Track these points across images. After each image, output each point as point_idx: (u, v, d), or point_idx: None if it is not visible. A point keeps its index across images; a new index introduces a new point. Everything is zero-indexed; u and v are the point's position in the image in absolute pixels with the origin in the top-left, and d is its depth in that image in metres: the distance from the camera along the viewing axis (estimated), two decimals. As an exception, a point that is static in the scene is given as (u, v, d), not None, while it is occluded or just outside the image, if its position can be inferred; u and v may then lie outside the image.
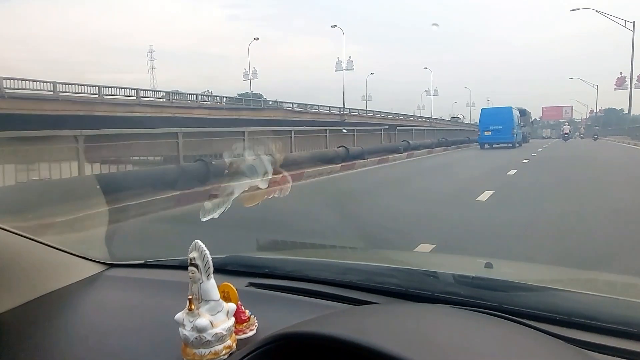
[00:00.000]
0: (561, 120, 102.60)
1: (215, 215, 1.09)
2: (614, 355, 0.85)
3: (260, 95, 67.10)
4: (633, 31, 34.21)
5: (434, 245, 4.23)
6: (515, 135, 26.84)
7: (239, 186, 1.11)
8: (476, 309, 0.99)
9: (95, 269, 1.50)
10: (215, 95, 47.88)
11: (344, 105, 56.35)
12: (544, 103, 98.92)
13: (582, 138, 47.02)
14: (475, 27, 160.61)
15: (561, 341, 0.87)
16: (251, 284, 1.32)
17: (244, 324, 1.05)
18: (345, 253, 1.98)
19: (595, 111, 53.12)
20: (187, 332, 0.94)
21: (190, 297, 0.96)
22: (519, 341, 0.86)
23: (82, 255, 1.48)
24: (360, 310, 1.07)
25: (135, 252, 1.85)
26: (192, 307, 0.95)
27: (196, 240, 0.97)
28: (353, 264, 1.44)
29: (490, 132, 26.62)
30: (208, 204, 1.09)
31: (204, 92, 63.69)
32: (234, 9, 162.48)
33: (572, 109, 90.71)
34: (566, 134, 41.32)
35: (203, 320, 0.93)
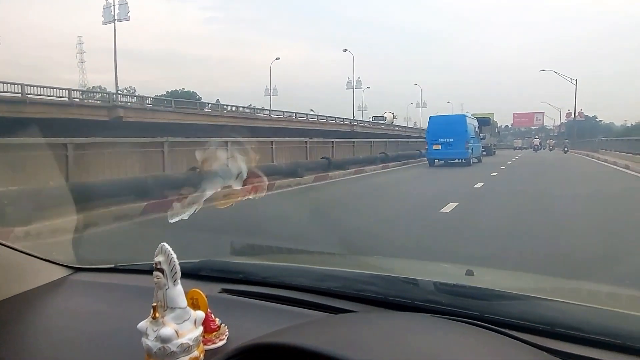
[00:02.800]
0: (533, 127, 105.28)
1: (185, 216, 1.03)
2: None
3: (194, 94, 64.46)
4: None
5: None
6: (469, 150, 21.41)
7: (211, 187, 1.06)
8: (457, 318, 0.96)
9: (61, 272, 1.43)
10: (135, 95, 43.86)
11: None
12: (516, 109, 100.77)
13: (551, 150, 48.84)
14: (461, 37, 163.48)
15: (543, 352, 0.85)
16: (224, 290, 1.27)
17: (214, 334, 0.99)
18: (324, 259, 1.93)
19: (573, 115, 59.28)
20: (150, 342, 0.88)
21: (154, 304, 0.90)
22: (500, 352, 0.84)
23: (47, 259, 1.42)
24: (337, 319, 1.03)
25: (106, 256, 1.78)
26: (157, 315, 0.89)
27: (162, 243, 0.91)
28: (331, 270, 1.40)
29: (439, 146, 21.46)
30: (177, 206, 1.03)
31: (124, 89, 58.68)
32: (212, 11, 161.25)
33: (543, 115, 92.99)
34: (536, 145, 49.17)
35: (168, 330, 0.87)
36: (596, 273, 3.52)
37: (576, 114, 60.65)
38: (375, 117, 75.93)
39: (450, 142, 21.10)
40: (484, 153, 29.65)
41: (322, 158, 16.97)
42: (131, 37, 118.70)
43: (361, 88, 70.91)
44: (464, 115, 23.49)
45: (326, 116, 52.71)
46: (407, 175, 17.64)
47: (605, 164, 21.53)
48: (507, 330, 0.91)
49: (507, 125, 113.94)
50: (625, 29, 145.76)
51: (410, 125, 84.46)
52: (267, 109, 48.25)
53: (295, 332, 0.90)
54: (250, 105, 52.12)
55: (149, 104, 37.78)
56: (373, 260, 2.00)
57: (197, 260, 1.41)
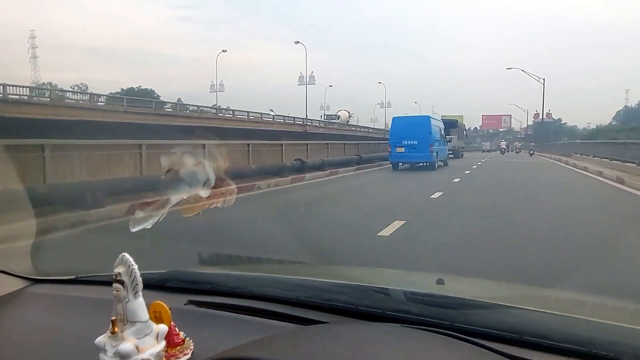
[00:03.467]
0: (501, 130, 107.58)
1: (148, 225, 0.99)
2: None
3: (152, 92, 61.87)
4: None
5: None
6: (434, 153, 20.06)
7: (177, 194, 1.02)
8: (428, 327, 0.96)
9: (17, 284, 1.36)
10: (88, 93, 40.89)
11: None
12: (485, 111, 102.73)
13: (517, 152, 50.63)
14: (429, 41, 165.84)
15: None
16: (191, 302, 1.23)
17: (177, 348, 0.95)
18: (294, 268, 1.92)
19: (541, 117, 59.47)
20: (108, 358, 0.84)
21: (113, 318, 0.86)
22: None
23: (1, 270, 1.35)
24: (307, 331, 1.01)
25: (67, 266, 1.70)
26: (116, 329, 0.85)
27: (123, 254, 0.87)
28: (301, 279, 1.38)
29: (403, 149, 20.00)
30: (139, 214, 0.99)
31: (75, 86, 56.18)
32: (184, 10, 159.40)
33: (510, 117, 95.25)
34: (503, 148, 51.65)
35: (127, 345, 0.83)
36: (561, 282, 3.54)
37: (544, 115, 60.16)
38: (328, 116, 68.05)
39: (414, 144, 19.67)
40: (452, 156, 29.17)
41: (295, 160, 16.61)
42: (98, 34, 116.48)
43: (314, 84, 66.35)
44: (428, 117, 21.97)
45: (283, 116, 49.82)
46: (363, 181, 15.64)
47: (586, 174, 17.31)
48: (476, 340, 0.91)
49: (475, 127, 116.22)
50: (587, 31, 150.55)
51: (381, 126, 73.50)
52: (232, 109, 46.84)
53: (263, 346, 0.88)
54: (215, 105, 50.86)
55: (101, 102, 36.01)
56: (344, 270, 1.99)
57: (164, 271, 1.37)
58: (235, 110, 46.09)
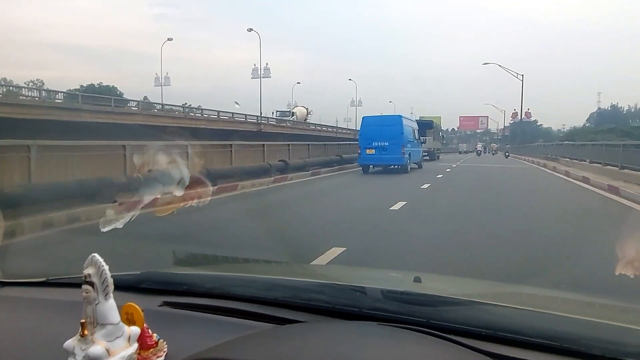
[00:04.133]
0: (478, 131, 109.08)
1: (119, 225, 0.97)
2: None
3: (114, 90, 58.06)
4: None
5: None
6: (406, 156, 18.70)
7: (150, 193, 1.00)
8: (404, 325, 0.97)
9: None
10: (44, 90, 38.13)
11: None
12: (464, 112, 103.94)
13: (493, 154, 51.43)
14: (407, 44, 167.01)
15: (486, 357, 0.87)
16: (166, 303, 1.22)
17: (150, 350, 0.93)
18: (271, 268, 1.91)
19: (520, 116, 56.94)
20: (78, 362, 0.81)
21: (83, 320, 0.84)
22: (437, 358, 0.86)
23: None
24: (283, 330, 1.01)
25: (38, 268, 1.65)
26: (85, 332, 0.83)
27: (93, 254, 0.85)
28: (279, 279, 1.38)
29: (373, 151, 18.63)
30: (110, 213, 0.97)
31: (29, 82, 52.72)
32: (162, 8, 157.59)
33: (487, 119, 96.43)
34: (479, 150, 52.82)
35: (97, 348, 0.81)
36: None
37: (523, 113, 57.21)
38: (281, 112, 58.56)
39: (385, 146, 18.39)
40: (427, 158, 28.50)
41: (279, 161, 16.31)
42: (73, 31, 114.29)
43: (269, 77, 59.71)
44: (400, 116, 20.02)
45: (244, 114, 45.30)
46: (324, 186, 14.13)
47: (590, 188, 12.44)
48: (451, 336, 0.92)
49: (453, 129, 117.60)
50: (560, 34, 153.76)
51: (353, 126, 65.13)
52: (202, 108, 44.36)
53: (237, 346, 0.87)
54: (186, 103, 48.37)
55: (59, 99, 33.48)
56: (321, 269, 1.99)
57: (138, 273, 1.35)
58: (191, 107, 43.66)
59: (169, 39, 58.24)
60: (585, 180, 13.55)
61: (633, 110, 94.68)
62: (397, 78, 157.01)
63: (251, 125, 42.98)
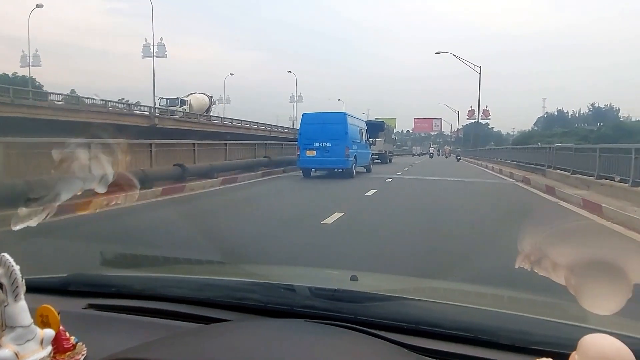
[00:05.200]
0: (432, 133, 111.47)
1: (32, 223, 0.94)
2: None
3: (31, 81, 48.88)
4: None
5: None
6: (351, 158, 16.88)
7: (68, 189, 0.97)
8: (332, 321, 1.00)
9: None
10: None
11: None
12: (417, 114, 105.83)
13: (446, 157, 52.57)
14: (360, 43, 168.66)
15: (405, 350, 0.91)
16: (90, 306, 1.20)
17: (67, 354, 0.91)
18: (203, 268, 1.90)
19: (477, 114, 48.90)
20: (-17, 367, 0.79)
21: None
22: (366, 353, 0.88)
23: None
24: (208, 329, 1.02)
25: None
26: (-7, 336, 0.80)
27: (2, 254, 0.82)
28: (211, 279, 1.38)
29: (314, 152, 16.72)
30: (23, 210, 0.94)
31: None
32: (117, 3, 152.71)
33: (441, 121, 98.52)
34: (432, 153, 55.77)
35: (5, 352, 0.79)
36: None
37: (480, 112, 49.94)
38: (171, 100, 46.39)
39: (327, 147, 16.58)
40: (378, 161, 27.78)
41: (174, 165, 12.76)
42: (20, 24, 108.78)
43: (165, 56, 49.49)
44: (344, 114, 18.08)
45: (115, 101, 39.00)
46: (242, 196, 11.54)
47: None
48: (376, 331, 0.96)
49: (408, 131, 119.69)
50: (506, 39, 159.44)
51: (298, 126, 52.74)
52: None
53: (156, 346, 0.87)
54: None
55: None
56: (256, 268, 2.00)
57: (65, 275, 1.32)
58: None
59: (37, 6, 44.33)
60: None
61: (577, 115, 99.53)
62: (352, 81, 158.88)
63: (141, 119, 35.62)
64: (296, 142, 18.44)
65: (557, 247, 0.66)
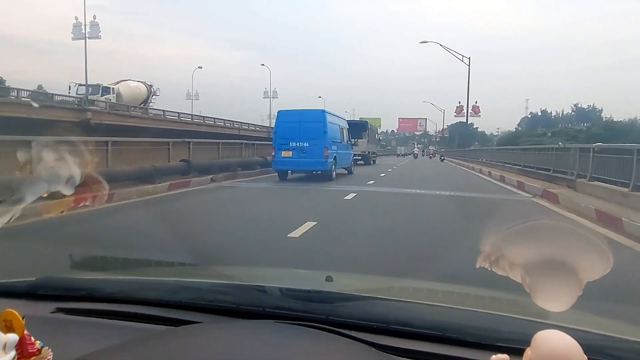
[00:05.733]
0: (417, 133, 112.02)
1: None
2: (418, 359, 0.93)
3: None
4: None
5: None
6: (330, 160, 15.58)
7: (34, 191, 0.96)
8: (304, 322, 1.00)
9: None
10: None
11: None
12: (401, 114, 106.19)
13: (430, 158, 52.78)
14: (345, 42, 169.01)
15: (374, 349, 0.93)
16: (59, 310, 1.19)
17: (32, 359, 0.90)
18: (175, 270, 1.89)
19: (466, 110, 42.61)
20: (-58, 374, 0.78)
21: None
22: (330, 354, 0.89)
23: None
24: (176, 332, 1.01)
25: None
26: (-49, 342, 0.79)
27: None
28: (183, 281, 1.38)
29: (290, 153, 15.43)
30: None
31: None
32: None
33: (426, 121, 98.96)
34: (416, 153, 56.31)
35: (-35, 358, 0.78)
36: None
37: (470, 108, 44.60)
38: (93, 88, 38.53)
39: (305, 147, 15.29)
40: (361, 162, 26.85)
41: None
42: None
43: (97, 39, 43.07)
44: (323, 111, 16.62)
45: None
46: (196, 204, 9.85)
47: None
48: (347, 331, 0.97)
49: (393, 131, 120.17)
50: (490, 40, 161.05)
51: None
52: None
53: (121, 349, 0.86)
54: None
55: None
56: (228, 270, 1.99)
57: (34, 279, 1.31)
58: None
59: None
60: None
61: (560, 115, 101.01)
62: (337, 81, 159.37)
63: (65, 112, 30.51)
64: (271, 142, 16.94)
65: (515, 245, 0.67)
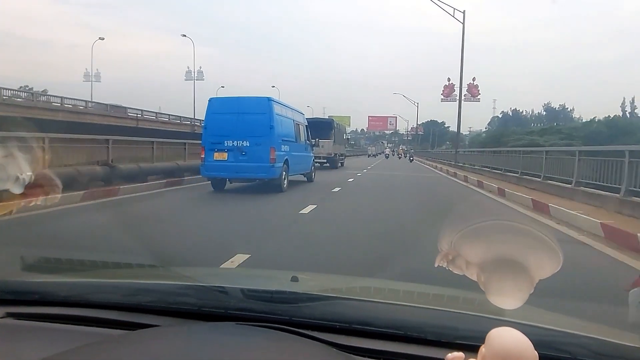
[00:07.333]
0: (387, 132, 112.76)
1: None
2: (379, 359, 0.96)
3: None
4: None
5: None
6: (279, 164, 11.89)
7: None
8: (266, 324, 1.01)
9: None
10: None
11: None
12: (371, 111, 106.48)
13: (399, 158, 53.56)
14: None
15: (334, 350, 0.95)
16: (9, 314, 1.16)
17: None
18: (134, 272, 1.85)
19: (459, 88, 29.53)
20: None
21: None
22: (291, 355, 0.90)
23: None
24: (132, 336, 1.01)
25: None
26: None
27: None
28: (142, 283, 1.36)
29: (225, 155, 11.69)
30: None
31: None
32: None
33: (396, 119, 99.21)
34: (387, 153, 58.00)
35: None
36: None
37: (462, 84, 30.61)
38: None
39: (244, 146, 11.60)
40: (327, 165, 24.37)
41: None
42: None
43: None
44: (269, 99, 12.33)
45: None
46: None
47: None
48: (309, 332, 0.99)
49: (363, 129, 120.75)
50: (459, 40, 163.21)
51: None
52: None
53: (73, 355, 0.85)
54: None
55: None
56: (190, 271, 1.97)
57: None
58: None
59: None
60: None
61: (530, 115, 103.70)
62: (306, 79, 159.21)
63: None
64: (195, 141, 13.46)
65: (470, 245, 0.70)
